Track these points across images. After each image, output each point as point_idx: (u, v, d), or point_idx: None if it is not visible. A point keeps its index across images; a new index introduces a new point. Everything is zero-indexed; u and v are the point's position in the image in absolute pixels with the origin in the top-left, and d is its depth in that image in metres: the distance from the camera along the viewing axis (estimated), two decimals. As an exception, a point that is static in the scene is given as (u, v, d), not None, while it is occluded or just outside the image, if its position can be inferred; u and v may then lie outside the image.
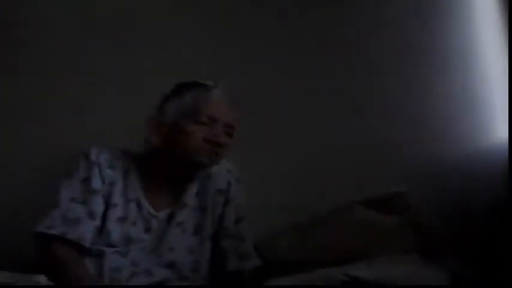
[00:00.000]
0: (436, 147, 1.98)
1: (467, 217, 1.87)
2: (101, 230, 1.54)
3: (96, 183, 1.56)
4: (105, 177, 1.57)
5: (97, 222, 1.53)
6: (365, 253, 1.70)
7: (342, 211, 1.87)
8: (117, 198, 1.57)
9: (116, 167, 1.60)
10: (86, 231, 1.51)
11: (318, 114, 2.04)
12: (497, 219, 1.82)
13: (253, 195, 1.83)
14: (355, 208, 1.86)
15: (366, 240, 1.76)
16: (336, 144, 2.01)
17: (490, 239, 1.81)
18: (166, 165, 1.60)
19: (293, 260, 1.76)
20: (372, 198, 1.88)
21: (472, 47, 2.03)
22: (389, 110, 2.02)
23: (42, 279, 1.42)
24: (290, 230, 1.87)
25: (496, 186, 1.82)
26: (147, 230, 1.58)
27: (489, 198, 1.84)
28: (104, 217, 1.55)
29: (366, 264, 1.59)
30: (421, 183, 1.91)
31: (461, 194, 1.90)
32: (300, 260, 1.74)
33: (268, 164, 1.98)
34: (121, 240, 1.54)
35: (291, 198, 1.96)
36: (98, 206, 1.55)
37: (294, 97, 2.05)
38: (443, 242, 1.78)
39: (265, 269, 1.70)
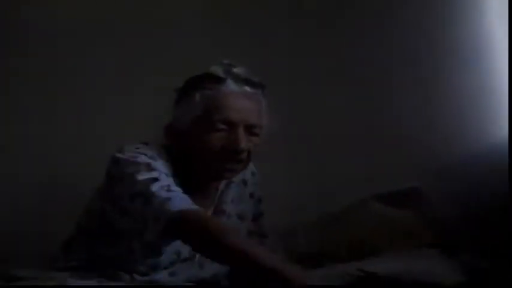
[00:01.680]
0: (451, 142, 1.98)
1: (482, 211, 1.87)
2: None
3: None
4: None
5: None
6: (381, 248, 1.71)
7: (357, 206, 1.89)
8: None
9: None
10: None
11: (332, 110, 2.05)
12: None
13: (269, 190, 1.82)
14: (371, 203, 1.88)
15: (382, 235, 1.77)
16: (350, 140, 2.03)
17: (505, 232, 1.81)
18: (190, 172, 1.42)
19: (310, 255, 1.77)
20: (387, 194, 1.89)
21: (485, 42, 2.02)
22: (403, 106, 2.03)
23: (64, 276, 1.39)
24: (306, 225, 1.89)
25: (507, 179, 1.82)
26: None
27: (504, 192, 1.84)
28: None
29: (381, 259, 1.60)
30: (436, 178, 1.92)
31: (476, 188, 1.90)
32: (316, 255, 1.76)
33: (283, 159, 2.00)
34: (169, 257, 1.41)
35: (307, 194, 1.97)
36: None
37: (309, 90, 2.07)
38: (458, 236, 1.79)
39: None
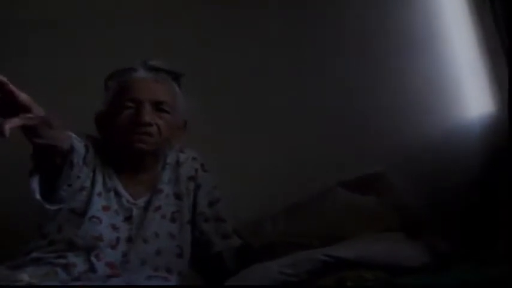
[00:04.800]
0: (410, 127, 2.01)
1: (445, 194, 1.89)
2: (88, 219, 1.52)
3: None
4: (89, 162, 1.56)
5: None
6: (348, 234, 1.71)
7: (323, 194, 1.88)
8: (99, 187, 1.57)
9: (95, 156, 1.58)
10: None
11: (296, 99, 2.05)
12: (475, 195, 1.86)
13: (235, 181, 1.88)
14: (336, 190, 1.87)
15: (349, 222, 1.77)
16: (314, 127, 2.03)
17: (468, 215, 1.83)
18: (119, 155, 1.60)
19: (278, 245, 1.76)
20: (352, 180, 1.89)
21: (438, 25, 2.05)
22: (363, 92, 2.04)
23: (25, 277, 1.42)
24: (273, 215, 1.88)
25: (469, 162, 1.86)
26: (128, 218, 1.58)
27: (464, 174, 1.87)
28: (89, 206, 1.53)
29: (347, 244, 1.60)
30: (398, 163, 1.93)
31: (437, 171, 1.93)
32: (284, 244, 1.76)
33: (248, 150, 2.00)
34: (108, 230, 1.53)
35: (272, 183, 1.97)
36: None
37: (274, 81, 2.06)
38: (423, 220, 1.80)
39: (249, 254, 1.72)
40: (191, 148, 1.72)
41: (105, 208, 1.55)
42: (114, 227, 1.55)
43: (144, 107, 1.54)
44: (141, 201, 1.61)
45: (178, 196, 1.66)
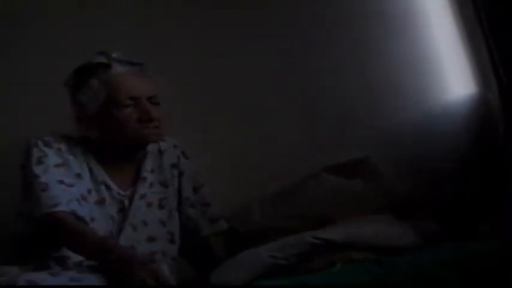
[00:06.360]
0: (392, 111, 2.02)
1: (429, 175, 1.91)
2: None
3: (75, 167, 1.57)
4: (76, 163, 1.58)
5: (89, 206, 1.54)
6: (336, 218, 1.73)
7: (309, 179, 1.89)
8: (88, 183, 1.58)
9: (76, 154, 1.60)
10: (85, 212, 1.51)
11: (277, 86, 2.05)
12: (458, 175, 1.89)
13: (222, 169, 1.90)
14: (322, 175, 1.89)
15: (335, 206, 1.78)
16: (296, 115, 2.04)
17: (453, 195, 1.86)
18: (114, 150, 1.62)
19: (266, 230, 1.77)
20: (337, 165, 1.90)
21: (418, 6, 2.05)
22: (345, 77, 2.04)
23: (14, 270, 1.41)
24: (261, 201, 1.89)
25: (451, 143, 1.90)
26: (121, 210, 1.60)
27: (446, 155, 1.90)
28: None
29: (335, 226, 1.62)
30: (382, 147, 1.95)
31: (420, 153, 1.95)
32: (272, 230, 1.77)
33: (233, 137, 1.99)
34: (105, 223, 1.56)
35: (258, 170, 1.97)
36: (85, 189, 1.55)
37: (256, 70, 2.05)
38: (409, 201, 1.82)
39: (238, 239, 1.74)
40: (171, 137, 1.74)
41: (98, 202, 1.58)
42: (112, 218, 1.58)
43: (146, 103, 1.58)
44: (129, 192, 1.64)
45: (163, 184, 1.69)
